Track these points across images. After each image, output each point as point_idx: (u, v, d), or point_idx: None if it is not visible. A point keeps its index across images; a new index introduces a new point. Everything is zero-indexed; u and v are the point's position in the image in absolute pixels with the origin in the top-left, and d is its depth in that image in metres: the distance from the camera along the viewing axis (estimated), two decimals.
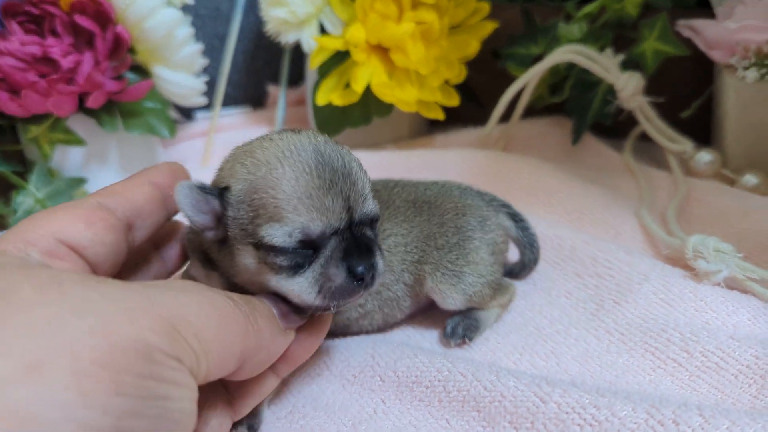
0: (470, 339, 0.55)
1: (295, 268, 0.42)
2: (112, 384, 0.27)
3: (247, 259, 0.43)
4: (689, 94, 0.85)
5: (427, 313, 0.60)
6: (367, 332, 0.58)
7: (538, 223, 0.67)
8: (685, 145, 0.78)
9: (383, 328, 0.58)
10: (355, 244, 0.42)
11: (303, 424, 0.48)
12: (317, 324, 0.46)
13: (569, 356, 0.53)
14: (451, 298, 0.56)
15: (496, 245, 0.58)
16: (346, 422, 0.48)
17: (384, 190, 0.59)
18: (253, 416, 0.48)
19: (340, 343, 0.55)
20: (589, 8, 0.80)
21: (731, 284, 0.56)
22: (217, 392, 0.43)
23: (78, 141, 0.80)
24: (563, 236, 0.65)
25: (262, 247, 0.42)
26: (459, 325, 0.56)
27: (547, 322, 0.57)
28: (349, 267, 0.41)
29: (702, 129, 0.84)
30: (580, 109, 0.84)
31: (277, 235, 0.40)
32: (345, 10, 0.85)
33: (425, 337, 0.57)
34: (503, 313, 0.59)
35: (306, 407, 0.50)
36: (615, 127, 0.85)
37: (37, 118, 0.76)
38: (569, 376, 0.51)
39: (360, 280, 0.42)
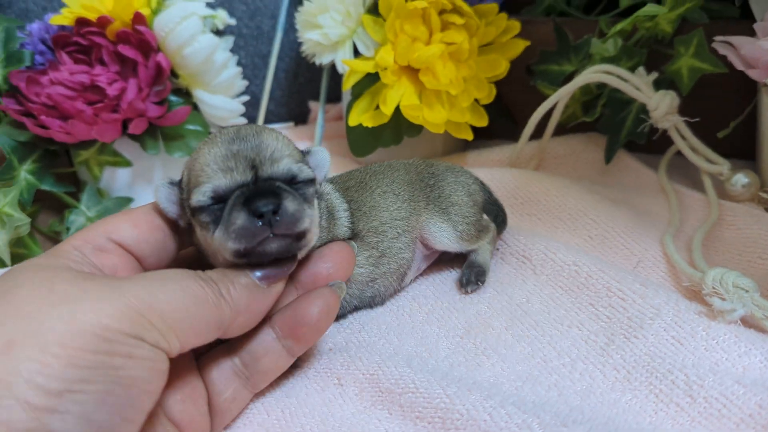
0: (482, 282, 0.66)
1: (215, 222, 0.48)
2: (67, 358, 0.35)
3: (197, 232, 0.50)
4: (728, 112, 0.82)
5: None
6: (390, 285, 0.65)
7: (558, 249, 0.67)
8: (722, 166, 0.76)
9: (399, 274, 0.65)
10: (258, 192, 0.47)
11: None
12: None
13: (572, 390, 0.53)
14: (444, 233, 0.65)
15: (469, 186, 0.69)
16: None
17: (358, 169, 0.69)
18: None
19: (349, 360, 0.57)
20: (621, 25, 0.79)
21: (750, 321, 0.54)
22: (231, 369, 0.50)
23: (125, 163, 0.85)
24: (580, 263, 0.64)
25: (193, 214, 0.49)
26: (471, 274, 0.66)
27: (555, 354, 0.57)
28: (249, 208, 0.46)
29: (740, 150, 0.81)
30: (612, 128, 0.83)
31: (196, 197, 0.48)
32: (378, 31, 0.87)
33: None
34: (493, 248, 0.69)
35: (314, 429, 0.52)
36: (652, 143, 0.84)
37: (86, 143, 0.82)
38: (568, 408, 0.51)
39: (260, 216, 0.46)
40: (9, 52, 0.84)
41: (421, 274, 0.70)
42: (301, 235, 0.49)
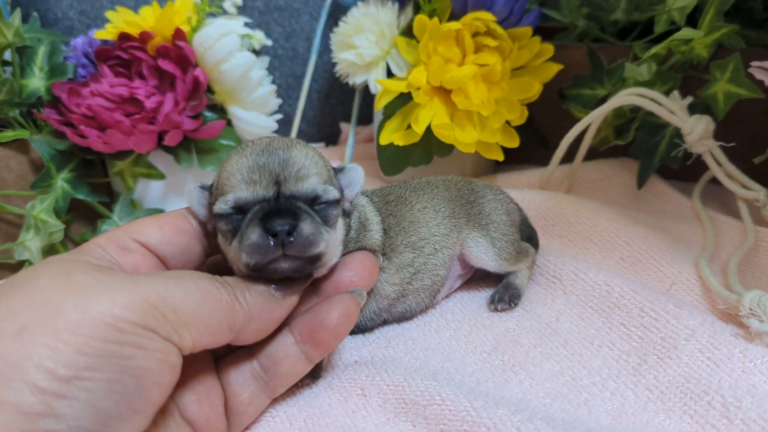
0: (515, 304, 0.65)
1: (233, 233, 0.48)
2: (77, 345, 0.35)
3: (219, 239, 0.50)
4: (764, 138, 0.80)
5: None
6: (422, 301, 0.64)
7: (589, 269, 0.66)
8: (758, 192, 0.74)
9: (432, 290, 0.65)
10: (277, 209, 0.47)
11: None
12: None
13: (602, 409, 0.51)
14: (482, 249, 0.65)
15: (508, 205, 0.69)
16: None
17: (398, 183, 0.69)
18: (318, 367, 0.55)
19: (376, 375, 0.56)
20: (655, 49, 0.79)
21: None
22: (249, 372, 0.50)
23: (159, 175, 0.86)
24: (612, 284, 0.63)
25: (216, 221, 0.49)
26: (504, 294, 0.65)
27: (586, 372, 0.56)
28: (265, 225, 0.46)
29: None
30: (645, 153, 0.82)
31: (219, 205, 0.48)
32: (411, 53, 0.88)
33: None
34: (530, 274, 0.68)
35: None
36: (686, 169, 0.83)
37: (121, 154, 0.84)
38: (598, 426, 0.49)
39: (275, 235, 0.46)
40: (53, 64, 0.86)
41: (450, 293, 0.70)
42: (315, 258, 0.48)
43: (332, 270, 0.54)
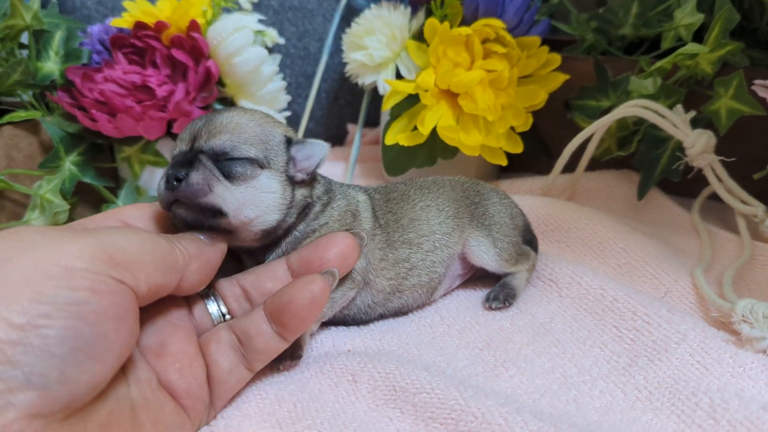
0: (509, 304, 0.65)
1: None
2: (31, 293, 0.36)
3: None
4: (764, 154, 0.81)
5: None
6: (419, 297, 0.65)
7: (585, 273, 0.67)
8: (756, 208, 0.75)
9: (429, 287, 0.66)
10: (179, 160, 0.52)
11: None
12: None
13: (591, 406, 0.51)
14: (483, 248, 0.66)
15: (512, 209, 0.70)
16: None
17: (404, 181, 0.70)
18: (297, 347, 0.57)
19: (367, 362, 0.57)
20: (661, 63, 0.80)
21: None
22: (228, 343, 0.51)
23: (165, 163, 0.87)
24: (607, 288, 0.64)
25: None
26: (500, 293, 0.66)
27: (576, 371, 0.56)
28: (166, 173, 0.51)
29: None
30: (647, 165, 0.83)
31: None
32: (421, 56, 0.89)
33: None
34: (529, 276, 0.69)
35: (324, 423, 0.52)
36: (686, 184, 0.83)
37: (130, 140, 0.85)
38: (585, 422, 0.50)
39: (167, 181, 0.51)
40: (69, 49, 0.88)
41: None
42: (211, 210, 0.51)
43: (306, 248, 0.56)
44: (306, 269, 0.55)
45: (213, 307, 0.54)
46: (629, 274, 0.69)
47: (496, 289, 0.67)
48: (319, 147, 0.57)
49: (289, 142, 0.57)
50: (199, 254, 0.49)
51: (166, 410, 0.46)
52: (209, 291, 0.55)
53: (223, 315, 0.54)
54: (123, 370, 0.45)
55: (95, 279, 0.39)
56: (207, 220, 0.52)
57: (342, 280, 0.58)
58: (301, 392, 0.54)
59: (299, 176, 0.57)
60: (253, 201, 0.53)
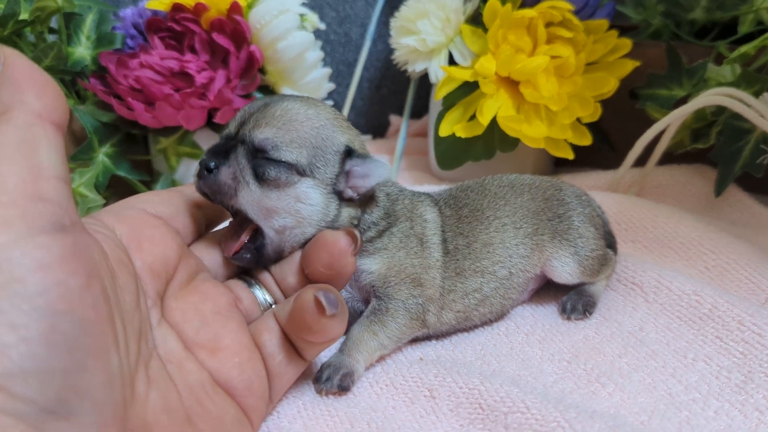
0: (590, 314, 0.59)
1: None
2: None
3: None
4: None
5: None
6: (488, 321, 0.60)
7: (673, 277, 0.61)
8: None
9: (501, 313, 0.61)
10: (217, 146, 0.48)
11: None
12: None
13: (707, 429, 0.46)
14: (568, 268, 0.60)
15: (596, 218, 0.63)
16: None
17: (475, 185, 0.63)
18: (348, 376, 0.51)
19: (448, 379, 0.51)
20: (744, 48, 0.73)
21: None
22: (280, 334, 0.46)
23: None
24: (703, 294, 0.58)
25: None
26: (578, 302, 0.60)
27: (682, 388, 0.50)
28: (201, 159, 0.47)
29: None
30: (727, 158, 0.76)
31: None
32: (476, 42, 0.83)
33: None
34: (608, 282, 0.64)
35: None
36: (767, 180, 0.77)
37: (167, 131, 0.79)
38: None
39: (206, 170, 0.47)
40: (101, 33, 0.83)
41: None
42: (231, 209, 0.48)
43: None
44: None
45: (260, 295, 0.49)
46: (720, 279, 0.63)
47: (572, 297, 0.61)
48: (380, 168, 0.50)
49: (349, 153, 0.51)
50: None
51: (226, 418, 0.41)
52: (250, 278, 0.50)
53: (270, 303, 0.49)
54: (170, 378, 0.39)
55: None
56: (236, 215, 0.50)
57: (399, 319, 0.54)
58: (373, 411, 0.49)
59: (348, 193, 0.51)
60: (286, 210, 0.48)
